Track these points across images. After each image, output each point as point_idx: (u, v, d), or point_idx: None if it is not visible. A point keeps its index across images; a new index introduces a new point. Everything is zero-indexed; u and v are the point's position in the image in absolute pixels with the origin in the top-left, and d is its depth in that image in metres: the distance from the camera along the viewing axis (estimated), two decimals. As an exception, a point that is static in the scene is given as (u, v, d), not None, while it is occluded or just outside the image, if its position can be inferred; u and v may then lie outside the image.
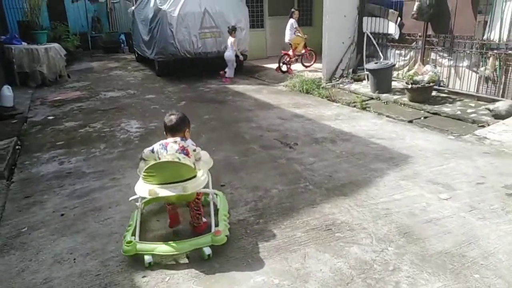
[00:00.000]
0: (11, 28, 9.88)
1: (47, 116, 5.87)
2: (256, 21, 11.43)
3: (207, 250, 2.27)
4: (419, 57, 6.62)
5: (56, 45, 8.91)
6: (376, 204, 2.81)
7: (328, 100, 6.64)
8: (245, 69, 9.79)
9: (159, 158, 2.37)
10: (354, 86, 7.30)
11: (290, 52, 9.20)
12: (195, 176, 2.33)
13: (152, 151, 2.43)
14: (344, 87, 7.34)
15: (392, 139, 4.33)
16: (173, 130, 2.43)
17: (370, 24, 7.50)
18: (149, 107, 6.24)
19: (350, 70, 7.92)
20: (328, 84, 7.67)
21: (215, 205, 2.71)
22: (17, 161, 3.99)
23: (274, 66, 9.95)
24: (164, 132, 2.49)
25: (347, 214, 2.68)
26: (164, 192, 2.25)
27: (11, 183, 3.42)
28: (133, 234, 2.37)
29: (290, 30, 9.19)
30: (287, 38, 9.32)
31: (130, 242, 2.26)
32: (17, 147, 4.47)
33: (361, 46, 7.75)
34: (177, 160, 2.32)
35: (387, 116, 5.45)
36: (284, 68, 9.24)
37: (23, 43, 8.43)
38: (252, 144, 4.27)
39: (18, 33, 9.65)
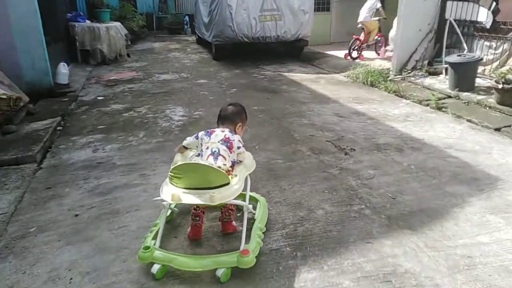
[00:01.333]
0: (79, 6, 10.15)
1: (97, 97, 5.79)
2: (321, 3, 10.58)
3: (222, 274, 1.93)
4: (516, 50, 5.47)
5: (117, 24, 8.94)
6: (455, 248, 2.12)
7: (396, 95, 5.79)
8: (305, 56, 9.10)
9: (201, 145, 2.17)
10: (429, 81, 6.31)
11: (362, 37, 8.30)
12: (227, 183, 1.97)
13: (196, 137, 2.23)
14: (416, 81, 6.38)
15: (475, 153, 3.49)
16: (225, 119, 2.25)
17: (456, 10, 6.38)
18: (198, 93, 5.89)
19: (425, 62, 6.89)
20: (398, 76, 6.75)
21: (251, 215, 2.32)
22: (53, 144, 3.85)
23: (337, 53, 9.15)
24: (217, 122, 2.30)
25: (413, 259, 2.04)
26: (188, 198, 1.96)
27: (39, 169, 3.24)
28: (155, 238, 2.12)
29: (368, 11, 8.23)
30: (361, 18, 8.35)
31: (148, 248, 2.00)
32: (58, 128, 4.37)
33: (441, 35, 6.66)
34: (216, 150, 2.08)
35: (469, 121, 4.53)
36: (354, 54, 8.40)
37: (87, 21, 8.56)
38: (301, 146, 3.70)
39: (86, 11, 9.90)
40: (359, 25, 8.38)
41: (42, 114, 4.71)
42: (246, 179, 2.27)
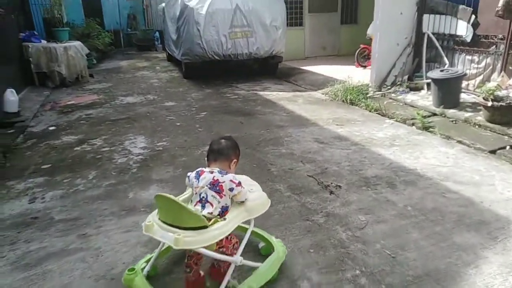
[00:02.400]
0: (36, 25, 9.42)
1: (49, 126, 5.13)
2: (294, 18, 10.28)
3: None
4: (500, 65, 5.21)
5: (76, 43, 8.29)
6: (481, 335, 1.64)
7: (378, 114, 5.42)
8: (280, 72, 8.71)
9: (193, 188, 1.93)
10: (410, 97, 6.00)
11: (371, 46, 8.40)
12: (205, 227, 1.68)
13: (189, 178, 1.95)
14: (397, 98, 6.06)
15: (476, 185, 3.08)
16: (220, 155, 1.97)
17: (433, 23, 6.15)
18: (164, 119, 5.32)
19: (405, 77, 6.60)
20: (377, 93, 6.42)
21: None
22: (-18, 193, 3.19)
23: (313, 68, 8.85)
24: (206, 159, 2.04)
25: None
26: (158, 233, 1.74)
27: (-46, 232, 2.59)
28: (148, 262, 2.03)
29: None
30: (369, 30, 8.34)
31: (132, 270, 1.90)
32: (-5, 169, 3.71)
33: (419, 49, 6.41)
34: (204, 196, 1.83)
35: (460, 142, 4.17)
36: (365, 63, 8.64)
37: (42, 41, 7.87)
38: (279, 183, 3.18)
39: (44, 30, 9.19)
40: (368, 37, 8.43)
41: (-22, 152, 4.04)
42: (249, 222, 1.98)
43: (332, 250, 2.25)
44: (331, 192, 2.98)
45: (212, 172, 1.87)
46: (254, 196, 1.95)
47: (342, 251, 2.23)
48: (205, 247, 1.71)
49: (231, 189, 1.82)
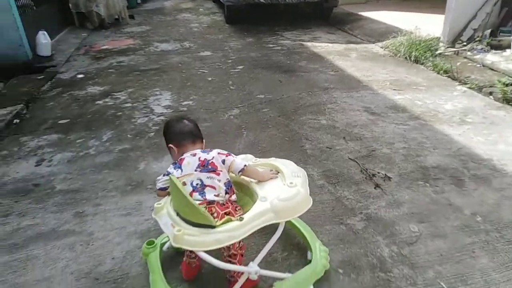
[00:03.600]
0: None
1: (78, 74, 4.86)
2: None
3: None
4: None
5: (116, -19, 7.79)
6: None
7: (448, 77, 4.51)
8: (334, 18, 7.70)
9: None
10: (491, 58, 4.92)
11: None
12: (212, 227, 1.38)
13: (168, 174, 1.60)
14: (474, 58, 5.00)
15: None
16: (194, 136, 1.73)
17: (538, -39, 4.81)
18: (196, 72, 4.82)
19: (487, 32, 5.41)
20: (449, 49, 5.36)
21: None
22: (-7, 150, 3.00)
23: (374, 15, 7.70)
24: (171, 145, 1.72)
25: None
26: (162, 221, 1.49)
27: (-49, 197, 2.41)
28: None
29: None
30: None
31: (152, 243, 1.73)
32: (15, 121, 3.52)
33: (512, -4, 5.15)
34: (198, 182, 1.54)
35: (552, 123, 3.27)
36: None
37: (81, -22, 7.47)
38: (311, 166, 2.63)
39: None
40: None
41: (6, 99, 3.90)
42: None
43: (369, 273, 1.73)
44: (377, 185, 2.38)
45: (194, 155, 1.61)
46: (289, 193, 1.48)
47: (382, 277, 1.71)
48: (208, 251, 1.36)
49: (223, 161, 1.60)
